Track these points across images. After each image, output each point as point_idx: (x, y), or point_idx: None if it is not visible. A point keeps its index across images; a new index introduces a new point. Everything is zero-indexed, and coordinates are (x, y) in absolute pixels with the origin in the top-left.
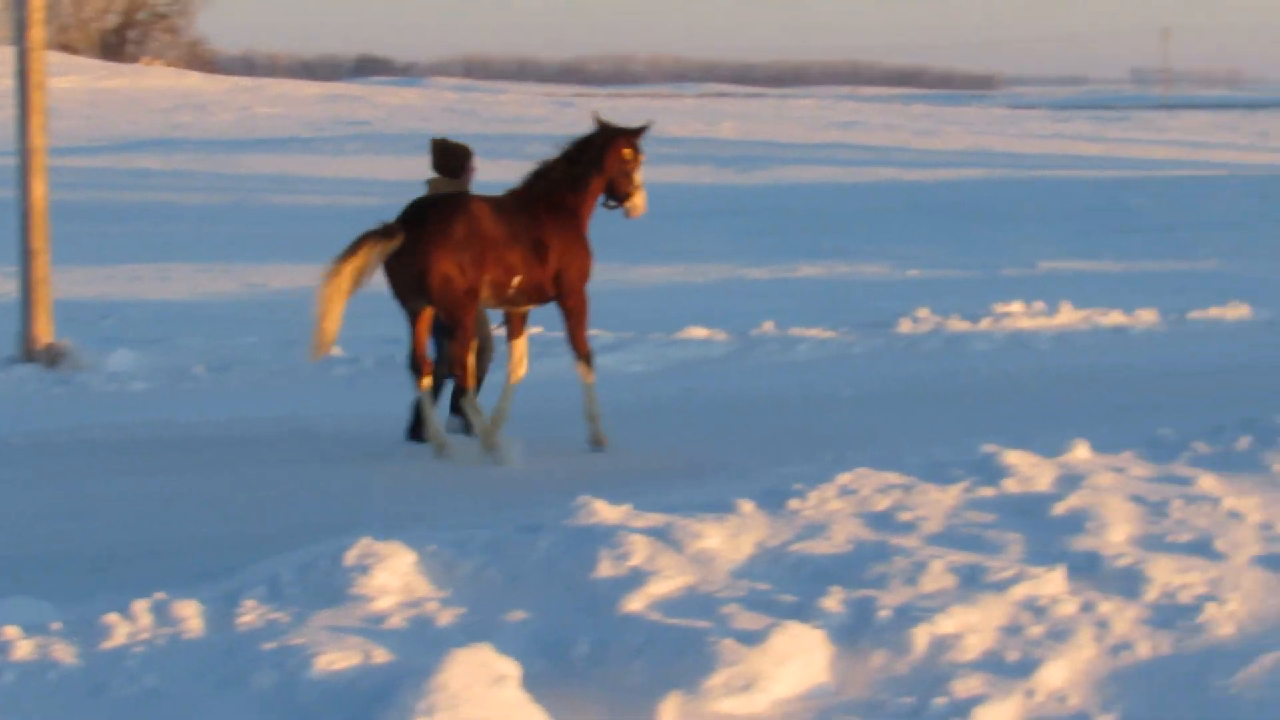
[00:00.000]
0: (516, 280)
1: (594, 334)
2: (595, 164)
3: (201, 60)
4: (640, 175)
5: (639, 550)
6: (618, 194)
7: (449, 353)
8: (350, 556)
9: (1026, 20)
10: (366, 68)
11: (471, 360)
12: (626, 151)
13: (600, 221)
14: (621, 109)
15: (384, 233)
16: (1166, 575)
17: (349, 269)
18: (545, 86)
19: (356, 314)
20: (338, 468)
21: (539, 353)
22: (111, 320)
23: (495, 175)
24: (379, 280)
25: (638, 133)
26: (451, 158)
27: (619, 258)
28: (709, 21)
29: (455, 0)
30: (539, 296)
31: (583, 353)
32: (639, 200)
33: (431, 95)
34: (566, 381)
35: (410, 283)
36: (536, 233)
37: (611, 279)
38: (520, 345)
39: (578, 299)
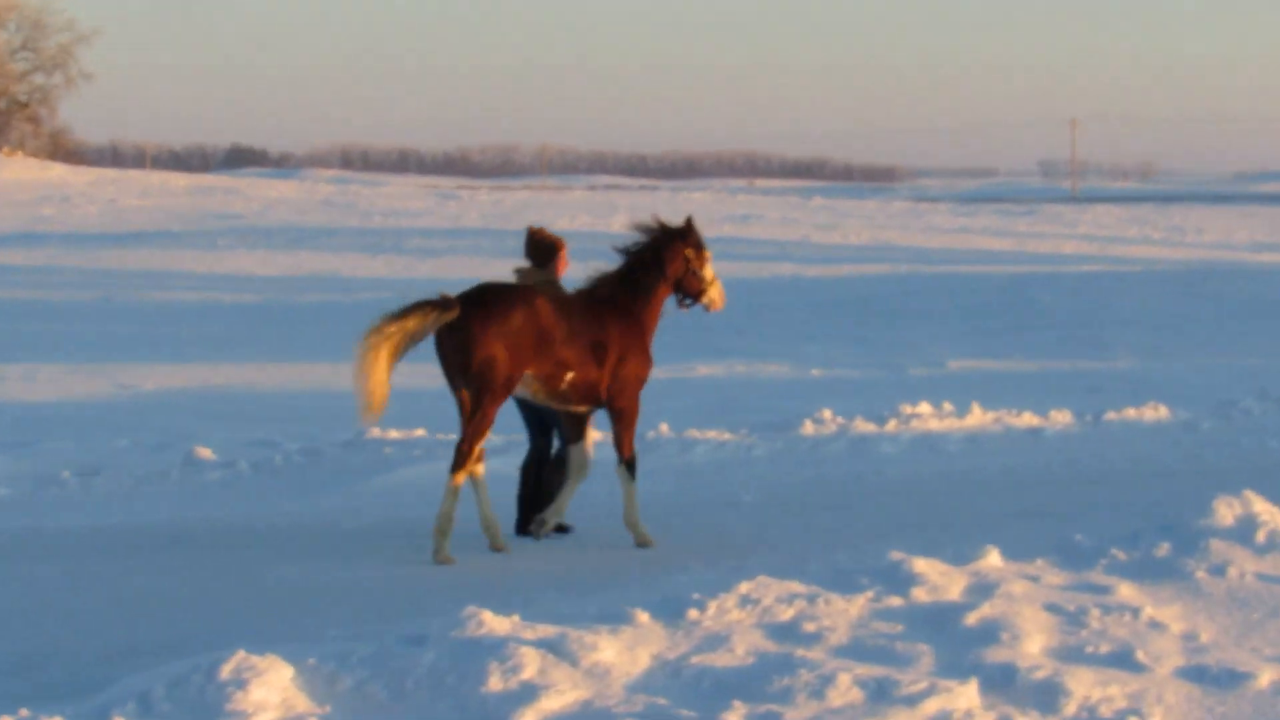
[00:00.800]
0: (569, 376)
1: (490, 437)
2: (658, 268)
3: (65, 150)
4: (710, 270)
5: (530, 663)
6: (690, 293)
7: (463, 433)
8: (225, 671)
9: (930, 111)
10: (239, 158)
11: (479, 449)
12: (688, 252)
13: None
14: (506, 202)
15: (440, 304)
16: (1086, 688)
17: (396, 329)
18: (427, 178)
19: (230, 416)
20: (213, 576)
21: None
22: None
23: (377, 270)
24: (242, 380)
25: (691, 231)
26: (541, 249)
27: None
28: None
29: (331, 89)
30: (593, 398)
31: (626, 457)
32: (715, 295)
33: (308, 187)
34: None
35: (457, 359)
36: (597, 333)
37: None
38: (580, 449)
39: (629, 402)
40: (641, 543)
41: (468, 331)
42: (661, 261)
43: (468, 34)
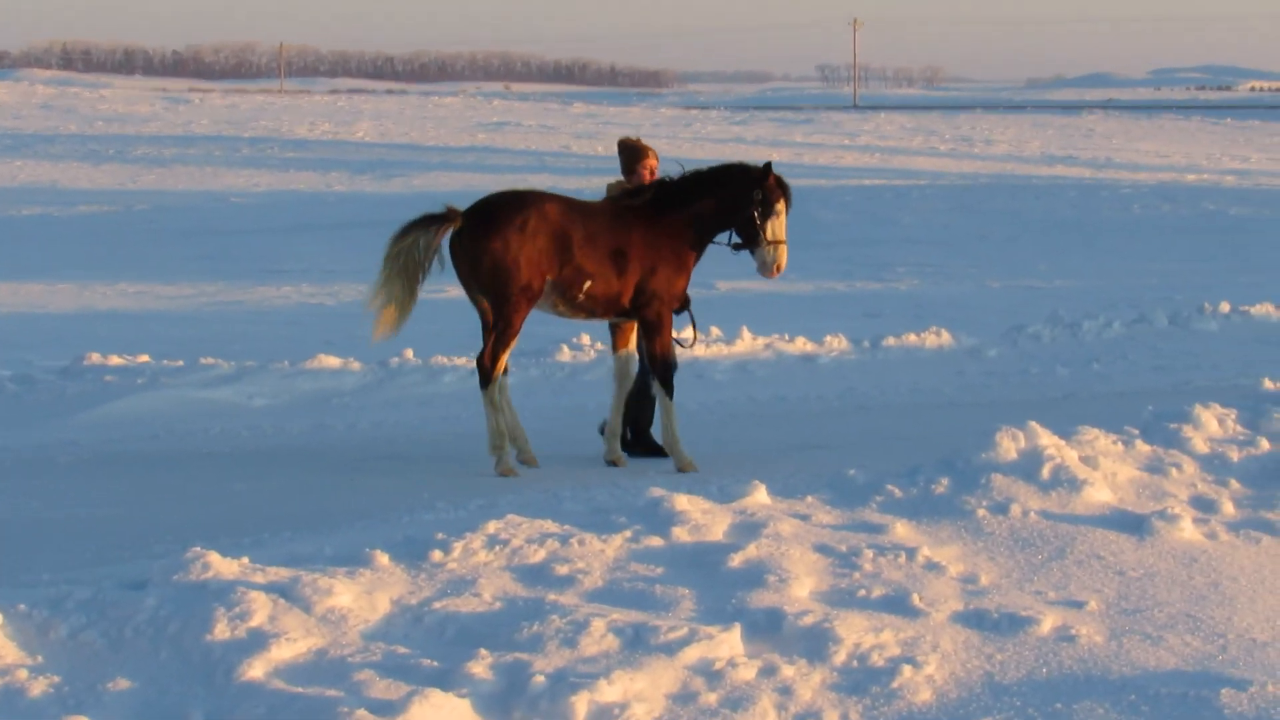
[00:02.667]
0: (587, 285)
1: (209, 362)
2: (710, 192)
3: None
4: (779, 228)
5: (260, 609)
6: (745, 239)
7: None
8: None
9: (700, 10)
10: None
11: (504, 359)
12: (757, 195)
13: (214, 237)
14: (241, 108)
15: (443, 216)
16: (857, 635)
17: (398, 250)
18: (155, 80)
19: None
20: None
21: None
22: None
23: (99, 181)
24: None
25: (766, 175)
26: (624, 155)
27: (239, 276)
28: (339, 8)
29: None
30: (616, 308)
31: (657, 373)
32: (773, 256)
33: (24, 90)
34: (178, 416)
35: (467, 270)
36: (620, 241)
37: (231, 300)
38: (620, 358)
39: (655, 315)
40: (682, 467)
41: (474, 240)
42: (718, 186)
43: None
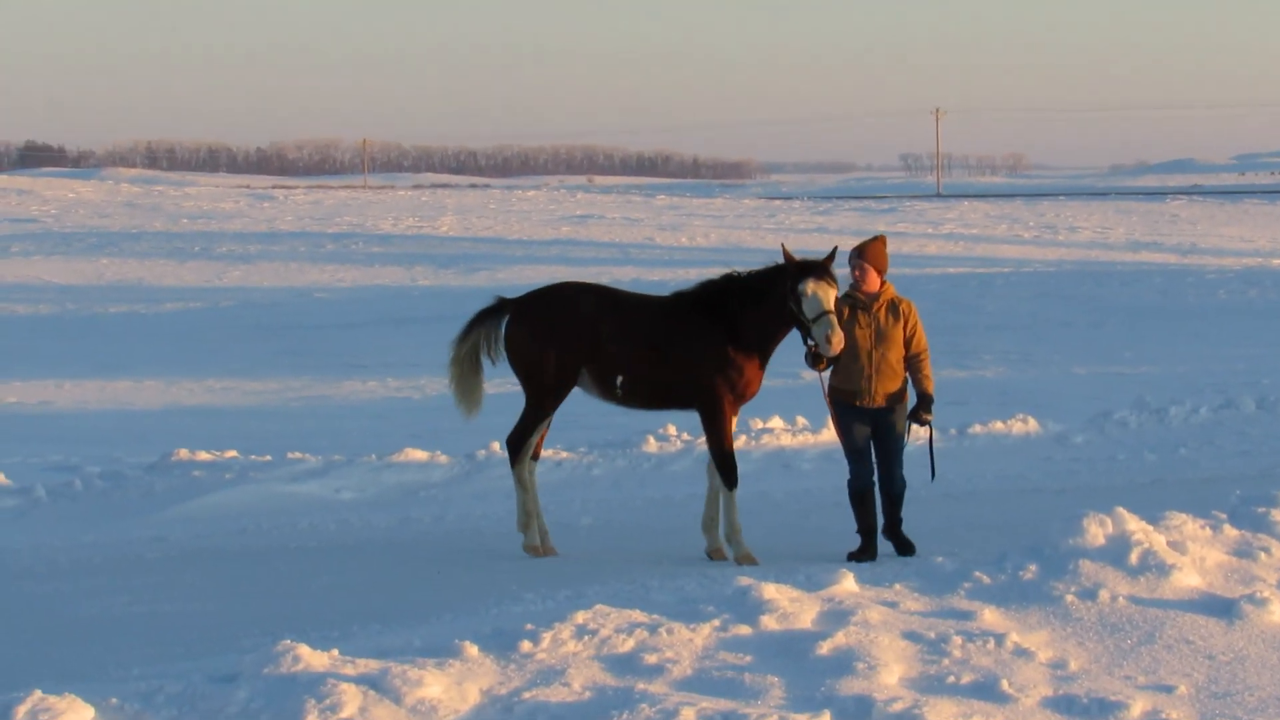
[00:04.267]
0: (620, 378)
1: (297, 456)
2: (776, 295)
3: None
4: (820, 299)
5: (350, 701)
6: (798, 326)
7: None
8: (20, 713)
9: (783, 102)
10: (33, 157)
11: (532, 444)
12: (808, 282)
13: (300, 332)
14: (325, 203)
15: (494, 308)
16: None
17: (463, 346)
18: (239, 177)
19: (24, 438)
20: (6, 611)
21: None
22: None
23: (185, 278)
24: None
25: (802, 262)
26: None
27: (324, 371)
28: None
29: (134, 81)
30: (663, 399)
31: (716, 463)
32: (821, 333)
33: (109, 189)
34: (266, 510)
35: (509, 357)
36: (655, 336)
37: (317, 395)
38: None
39: (706, 407)
40: (740, 559)
41: (509, 330)
42: (751, 292)
43: (281, 20)
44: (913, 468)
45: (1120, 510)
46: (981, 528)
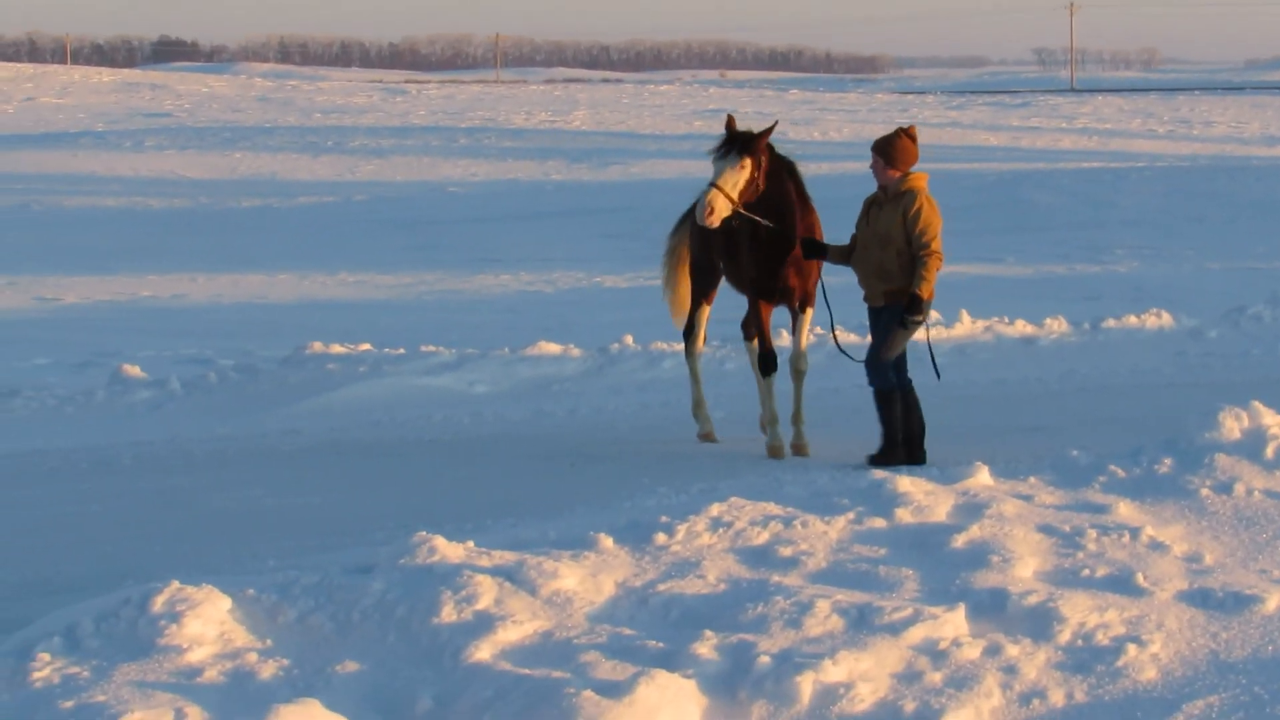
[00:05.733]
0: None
1: (430, 350)
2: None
3: None
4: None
5: (486, 592)
6: None
7: None
8: (158, 603)
9: None
10: (167, 52)
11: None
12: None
13: (433, 227)
14: (458, 98)
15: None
16: (1081, 614)
17: (674, 243)
18: (371, 72)
19: (159, 331)
20: (143, 504)
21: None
22: None
23: (318, 172)
24: (172, 292)
25: (733, 139)
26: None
27: (457, 265)
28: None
29: None
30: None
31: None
32: (698, 211)
33: (242, 83)
34: (400, 403)
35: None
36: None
37: (450, 289)
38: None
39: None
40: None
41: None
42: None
43: None
44: (920, 368)
45: (1256, 404)
46: (1116, 422)
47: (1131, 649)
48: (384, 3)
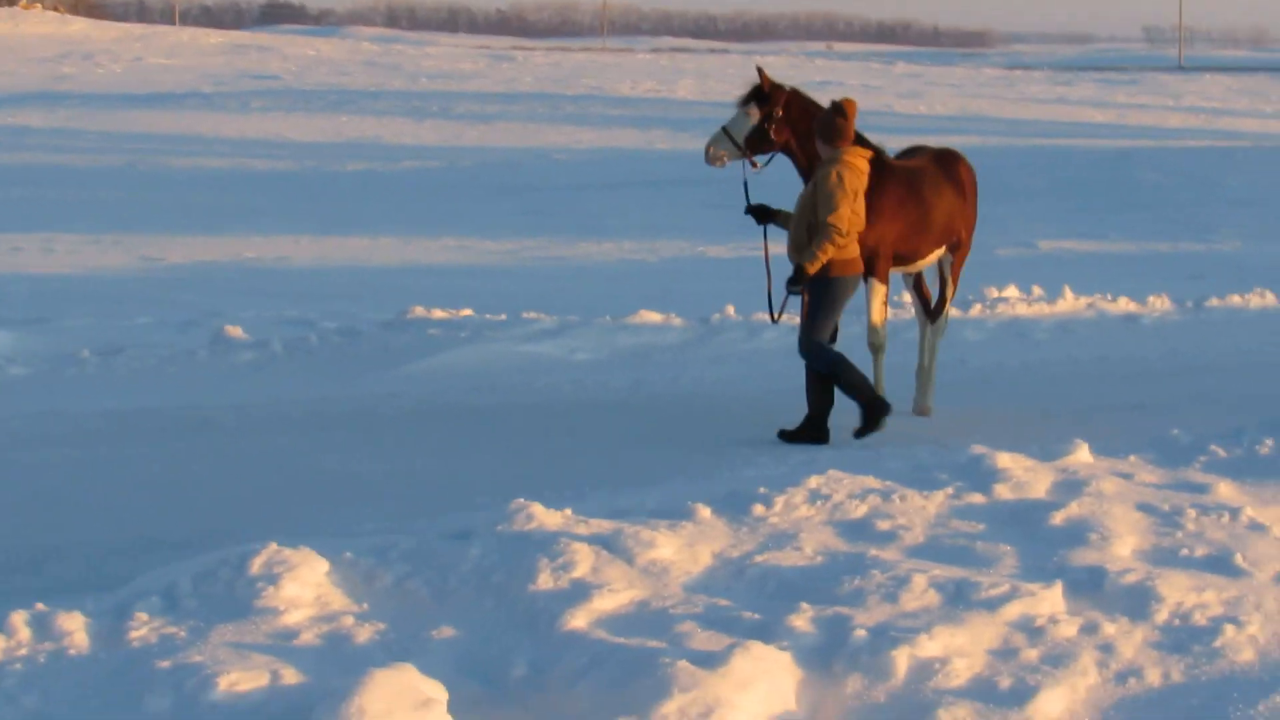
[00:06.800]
0: None
1: (532, 316)
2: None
3: (88, 4)
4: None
5: (582, 560)
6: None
7: None
8: (256, 565)
9: None
10: (275, 14)
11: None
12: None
13: (537, 193)
14: (564, 65)
15: None
16: (1179, 594)
17: None
18: (478, 38)
19: (262, 293)
20: (243, 464)
21: (447, 343)
22: None
23: (423, 137)
24: (276, 254)
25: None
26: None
27: (560, 232)
28: None
29: None
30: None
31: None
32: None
33: (349, 47)
34: (500, 370)
35: None
36: None
37: (553, 256)
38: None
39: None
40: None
41: None
42: None
43: None
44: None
45: None
46: (1218, 401)
47: (1229, 629)
48: None
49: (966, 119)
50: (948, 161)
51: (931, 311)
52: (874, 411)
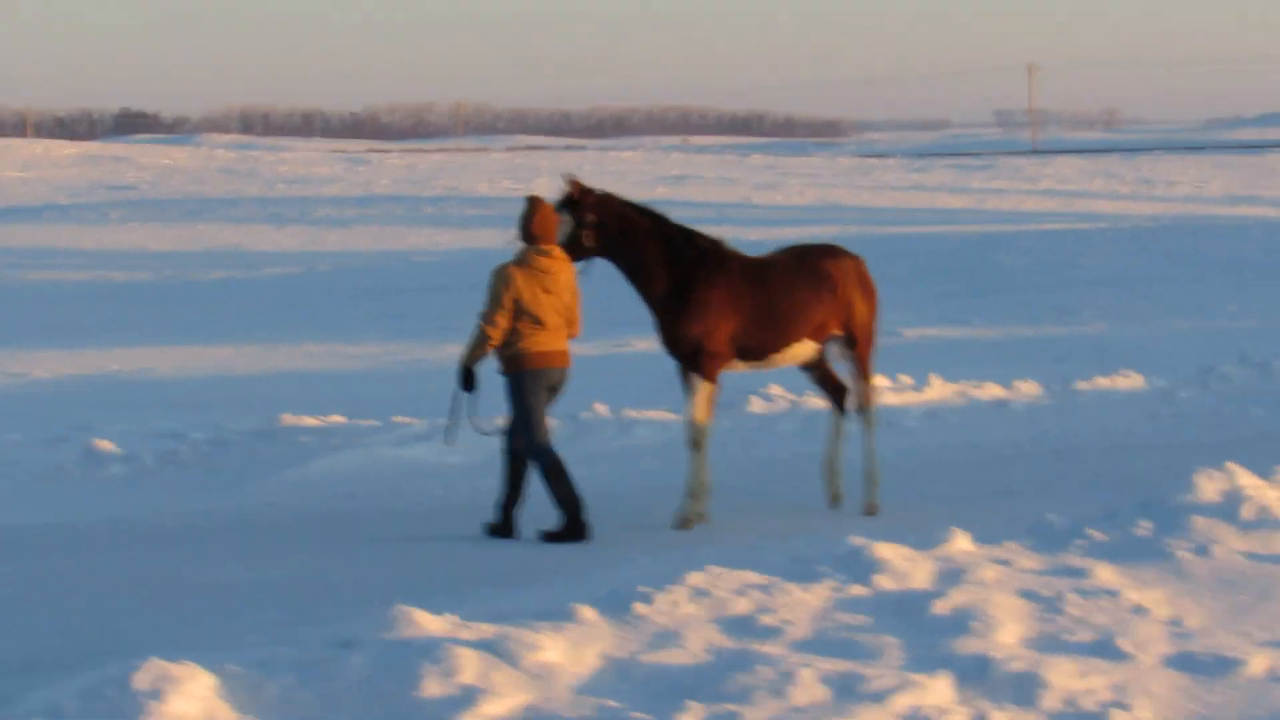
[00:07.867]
0: None
1: (402, 421)
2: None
3: None
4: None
5: (468, 665)
6: None
7: None
8: (139, 680)
9: (876, 59)
10: (129, 124)
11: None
12: None
13: (398, 296)
14: (420, 167)
15: None
16: (1066, 679)
17: None
18: (333, 141)
19: (130, 405)
20: (119, 579)
21: (340, 444)
22: None
23: (282, 243)
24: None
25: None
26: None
27: (425, 334)
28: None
29: (226, 47)
30: None
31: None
32: None
33: (204, 155)
34: (373, 475)
35: None
36: None
37: (415, 359)
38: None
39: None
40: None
41: None
42: None
43: None
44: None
45: (1231, 465)
46: (1091, 484)
47: (1118, 715)
48: (345, 72)
49: (824, 208)
50: (810, 255)
51: (841, 402)
52: (571, 530)
